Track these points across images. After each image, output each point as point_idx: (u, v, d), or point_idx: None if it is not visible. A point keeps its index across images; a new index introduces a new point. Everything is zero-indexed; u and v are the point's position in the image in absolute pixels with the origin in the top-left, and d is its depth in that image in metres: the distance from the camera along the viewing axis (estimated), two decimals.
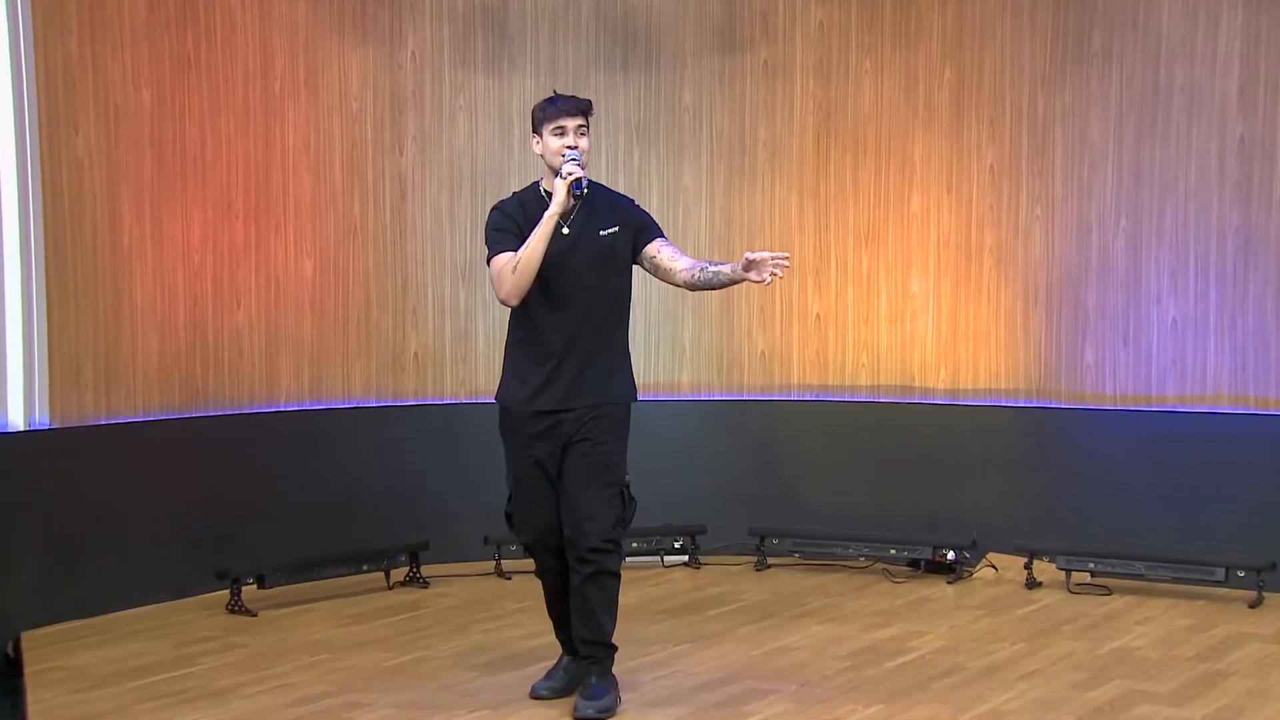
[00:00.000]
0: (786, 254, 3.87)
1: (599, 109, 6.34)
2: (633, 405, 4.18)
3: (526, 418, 4.07)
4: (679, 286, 4.09)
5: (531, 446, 4.08)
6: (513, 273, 3.95)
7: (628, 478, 4.10)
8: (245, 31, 6.01)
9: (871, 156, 6.63)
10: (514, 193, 4.20)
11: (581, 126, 3.99)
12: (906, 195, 6.58)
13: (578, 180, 3.87)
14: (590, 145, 4.01)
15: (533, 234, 3.94)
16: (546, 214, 3.91)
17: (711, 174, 6.80)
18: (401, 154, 6.46)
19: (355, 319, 6.38)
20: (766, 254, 3.87)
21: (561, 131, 3.97)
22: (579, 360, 4.02)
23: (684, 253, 4.13)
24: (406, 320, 6.50)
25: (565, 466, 4.03)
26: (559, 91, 4.11)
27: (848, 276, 6.69)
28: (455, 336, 6.60)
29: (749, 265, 3.87)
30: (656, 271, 4.11)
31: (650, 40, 6.72)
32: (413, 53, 6.49)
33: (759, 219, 6.77)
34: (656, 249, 4.07)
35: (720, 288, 4.06)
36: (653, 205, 6.33)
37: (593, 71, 6.70)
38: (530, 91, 6.54)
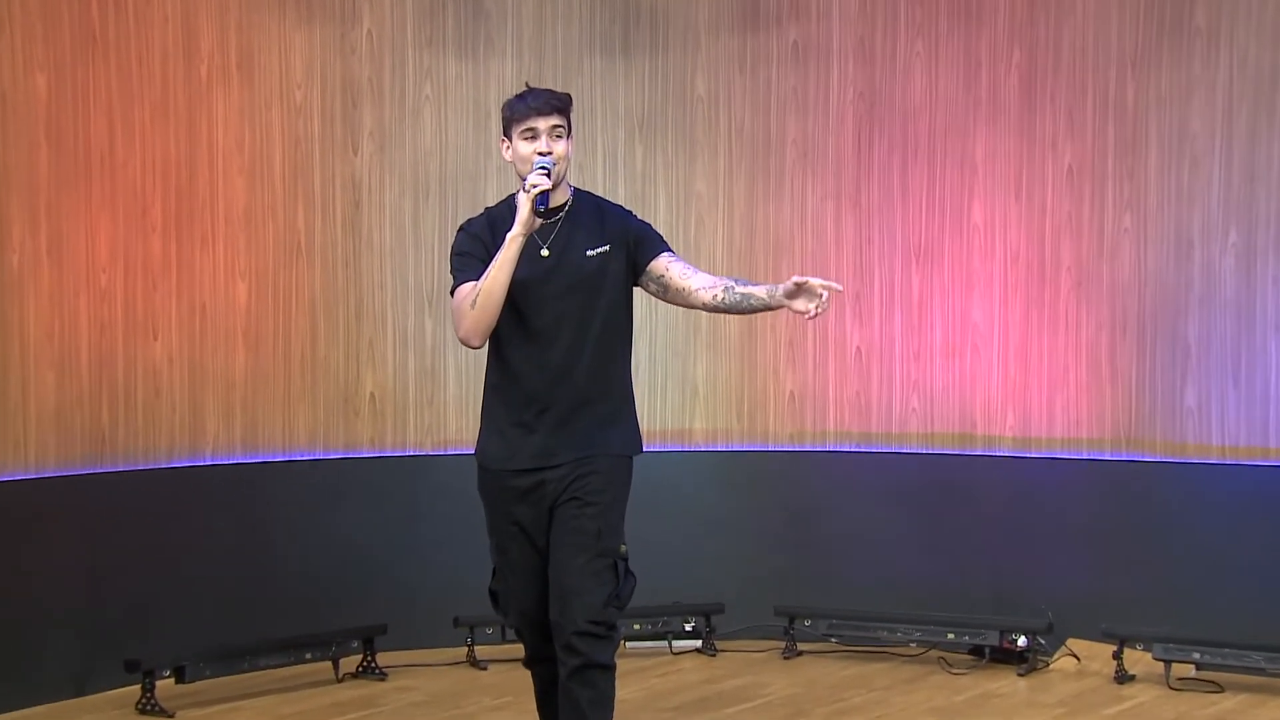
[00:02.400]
0: (839, 285, 3.78)
1: (594, 99, 6.59)
2: (636, 459, 4.11)
3: (505, 478, 4.02)
4: (697, 309, 4.01)
5: (513, 511, 4.02)
6: (472, 306, 3.87)
7: (624, 547, 4.00)
8: (164, 3, 5.94)
9: (924, 156, 6.58)
10: (486, 209, 4.14)
11: (557, 127, 3.91)
12: (966, 203, 6.53)
13: (543, 193, 3.79)
14: (570, 149, 3.95)
15: (494, 260, 3.86)
16: (509, 235, 3.83)
17: (730, 178, 6.78)
18: (356, 153, 6.41)
19: (299, 353, 6.32)
20: (819, 281, 3.76)
21: (532, 134, 3.90)
22: (565, 407, 3.97)
23: (698, 268, 4.05)
24: (361, 355, 6.46)
25: (553, 534, 3.98)
26: (532, 84, 4.05)
27: (895, 302, 6.64)
28: (420, 375, 6.54)
29: (795, 291, 3.77)
30: (666, 293, 4.02)
31: (656, 17, 6.72)
32: (369, 31, 6.42)
33: (787, 232, 6.73)
34: (663, 265, 4.00)
35: (749, 313, 3.97)
36: (659, 216, 6.58)
37: (587, 55, 6.67)
38: (511, 79, 6.50)
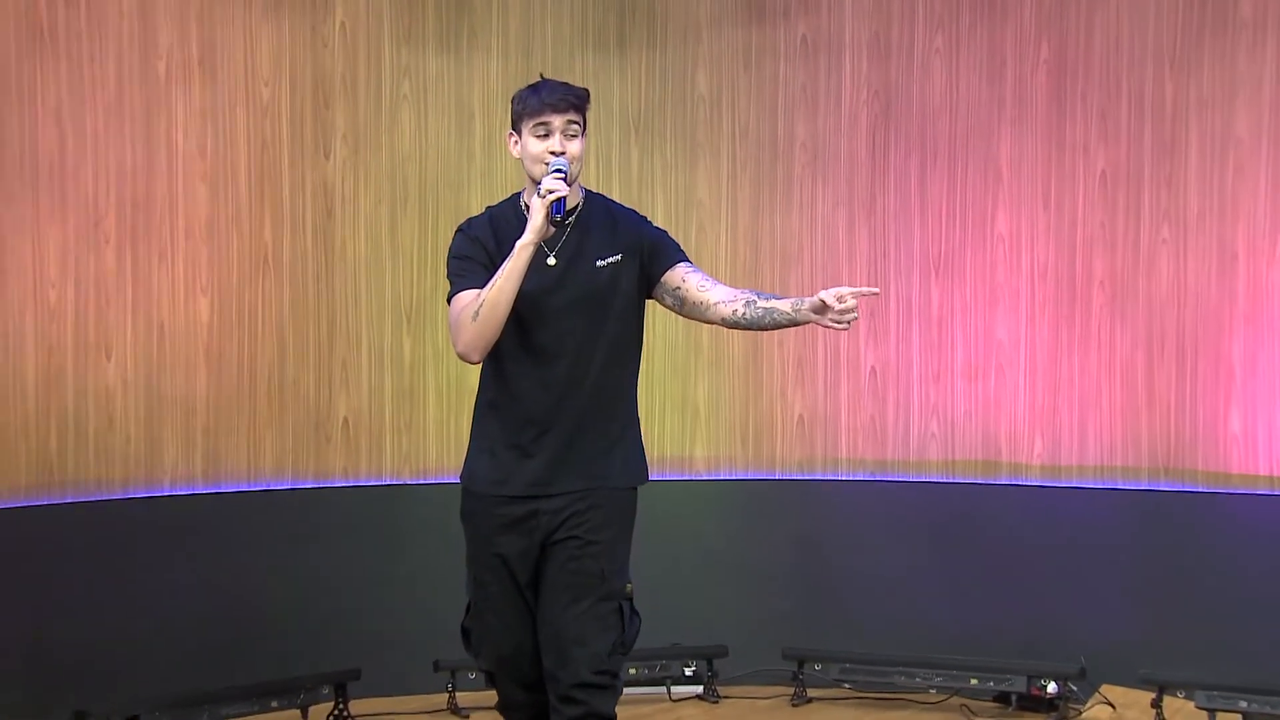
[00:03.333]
0: (875, 288, 3.79)
1: None
2: (639, 486, 4.08)
3: (494, 504, 3.96)
4: (715, 324, 3.93)
5: (497, 541, 3.95)
6: (474, 319, 3.82)
7: (630, 586, 3.97)
8: None
9: (944, 161, 6.56)
10: (487, 208, 4.09)
11: (573, 124, 3.88)
12: (990, 211, 6.51)
13: (559, 200, 3.77)
14: (584, 150, 3.93)
15: (501, 268, 3.81)
16: (519, 243, 3.79)
17: (734, 184, 6.78)
18: (328, 158, 6.39)
19: (265, 375, 6.29)
20: (850, 293, 3.68)
21: (546, 131, 3.86)
22: (567, 430, 3.92)
23: (717, 279, 3.98)
24: (334, 376, 6.43)
25: (546, 573, 3.93)
26: (545, 76, 4.01)
27: (913, 318, 6.62)
28: (398, 397, 6.52)
29: (821, 307, 3.68)
30: (682, 307, 3.96)
31: (654, 9, 6.73)
32: (342, 24, 6.41)
33: (795, 243, 6.72)
34: (680, 276, 3.94)
35: (772, 329, 3.86)
36: (656, 223, 6.22)
37: (579, 50, 6.67)
38: (498, 76, 6.54)
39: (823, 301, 3.68)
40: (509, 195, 4.07)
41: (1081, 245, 6.36)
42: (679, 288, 3.93)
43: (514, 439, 3.94)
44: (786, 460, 6.79)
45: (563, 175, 3.80)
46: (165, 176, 6.03)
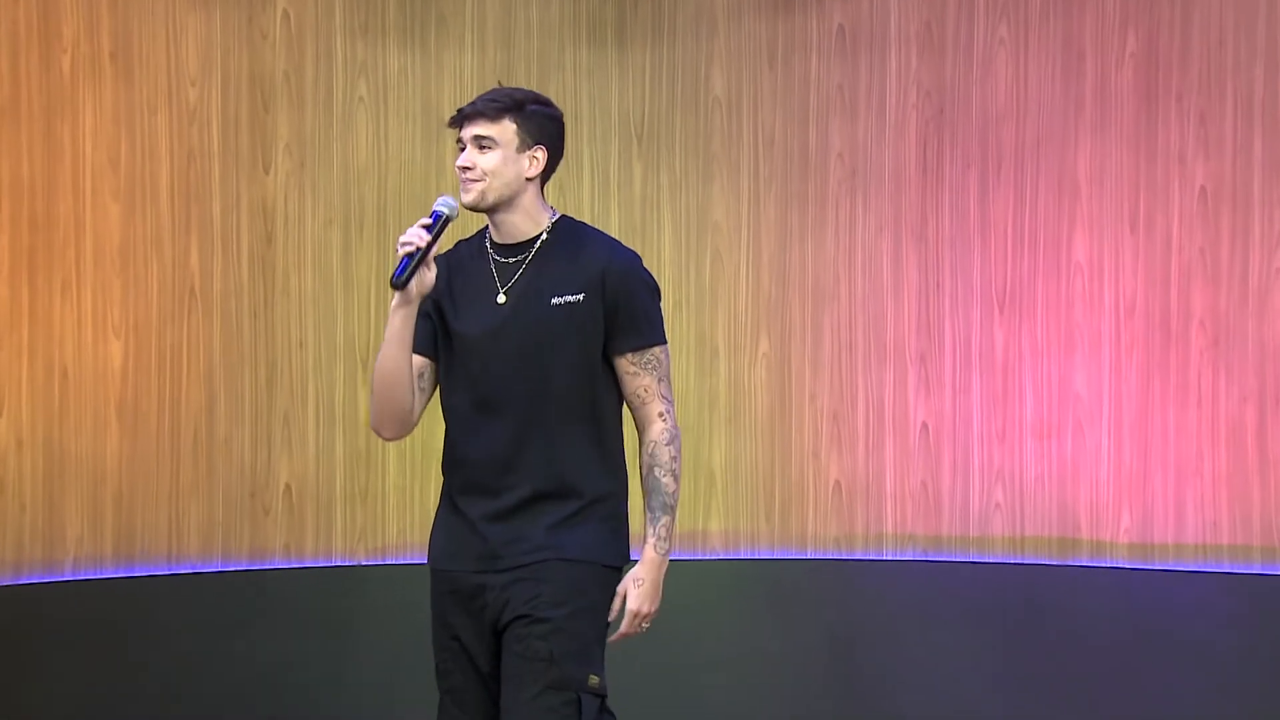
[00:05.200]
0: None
1: (578, 101, 6.64)
2: (615, 568, 4.06)
3: (446, 580, 4.04)
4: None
5: (452, 623, 4.03)
6: (371, 389, 3.98)
7: (596, 679, 3.93)
8: None
9: (1009, 175, 6.47)
10: (458, 242, 4.14)
11: (482, 139, 3.93)
12: (1065, 235, 6.41)
13: (404, 258, 3.83)
14: (527, 165, 3.94)
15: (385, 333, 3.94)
16: (391, 307, 3.89)
17: (756, 203, 6.62)
18: (268, 171, 6.33)
19: (190, 433, 6.25)
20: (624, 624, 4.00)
21: (462, 146, 3.97)
22: (518, 498, 3.96)
23: (661, 394, 4.02)
24: (274, 434, 6.37)
25: (502, 662, 3.97)
26: (503, 83, 4.17)
27: (972, 365, 6.50)
28: (351, 460, 6.44)
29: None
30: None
31: None
32: (285, 12, 6.37)
33: (831, 274, 6.60)
34: (621, 372, 4.02)
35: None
36: (663, 254, 6.52)
37: (569, 44, 6.57)
38: (472, 74, 6.50)
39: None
40: (482, 228, 4.09)
41: (1177, 276, 6.29)
42: (619, 382, 4.03)
43: (460, 507, 4.01)
44: (820, 537, 6.65)
45: (434, 220, 3.84)
46: (69, 192, 6.03)
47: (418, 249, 3.79)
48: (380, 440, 6.24)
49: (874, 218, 6.57)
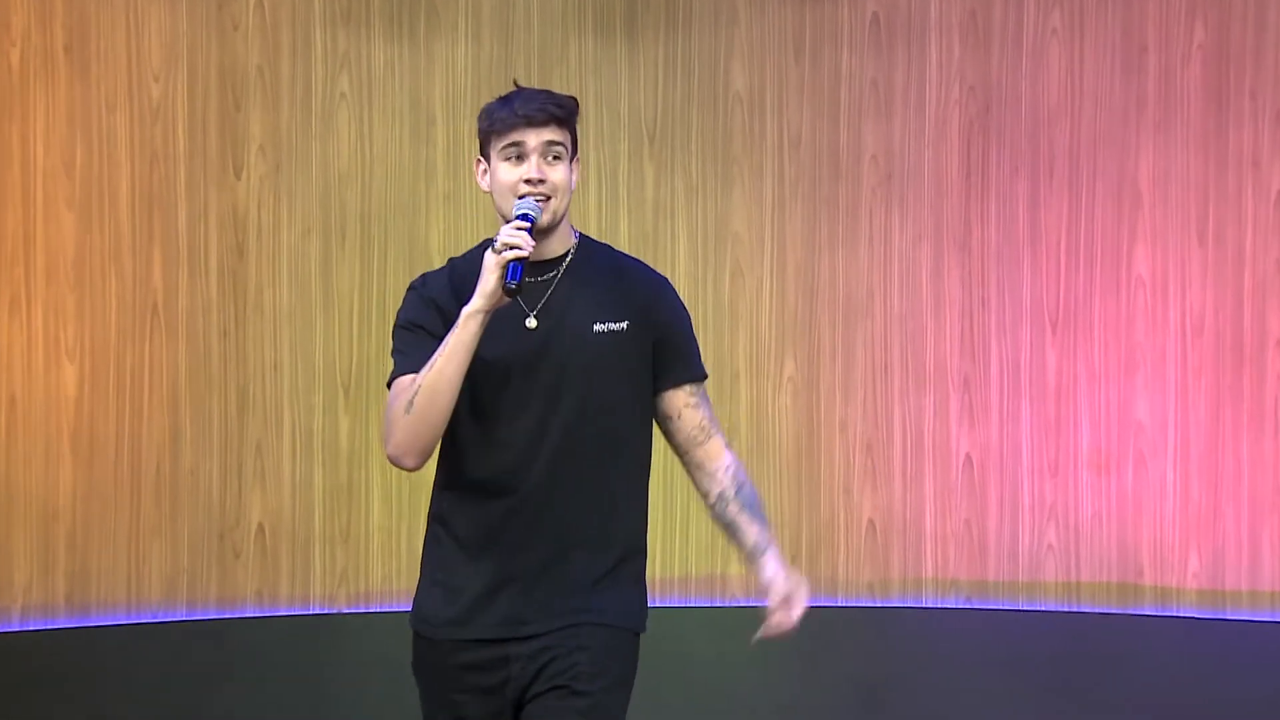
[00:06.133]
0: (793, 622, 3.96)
1: (584, 99, 6.76)
2: (638, 634, 3.96)
3: (451, 651, 3.83)
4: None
5: (458, 701, 3.84)
6: (406, 411, 3.77)
7: None
8: None
9: (1063, 179, 6.44)
10: (450, 260, 4.05)
11: (554, 145, 3.80)
12: (1126, 246, 6.40)
13: (515, 263, 3.69)
14: (575, 178, 3.89)
15: (444, 342, 3.76)
16: (465, 310, 3.73)
17: (780, 211, 6.56)
18: (239, 176, 6.27)
19: (153, 466, 6.19)
20: (779, 623, 3.91)
21: (519, 154, 3.80)
22: (545, 553, 3.81)
23: (718, 426, 3.98)
24: (245, 467, 6.30)
25: None
26: (520, 83, 3.95)
27: (1021, 391, 6.47)
28: (331, 497, 6.38)
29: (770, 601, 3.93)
30: (669, 440, 3.98)
31: None
32: (259, 0, 6.36)
33: (863, 289, 6.55)
34: (679, 407, 3.94)
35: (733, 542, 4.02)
36: (678, 268, 6.49)
37: (574, 36, 6.52)
38: (466, 69, 6.45)
39: (771, 600, 3.90)
40: (479, 242, 3.96)
41: (1251, 292, 6.31)
42: (673, 419, 3.95)
43: (475, 563, 3.83)
44: (852, 581, 6.61)
45: (529, 224, 3.73)
46: (18, 201, 6.04)
47: (526, 253, 3.72)
48: (363, 473, 6.57)
49: (912, 227, 6.54)
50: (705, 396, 3.98)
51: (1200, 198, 6.30)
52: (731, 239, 6.58)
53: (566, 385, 3.82)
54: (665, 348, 3.90)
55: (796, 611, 3.86)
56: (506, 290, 3.72)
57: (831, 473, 6.59)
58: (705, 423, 3.89)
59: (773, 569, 3.87)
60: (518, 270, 3.67)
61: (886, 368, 6.39)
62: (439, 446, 3.84)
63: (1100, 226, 6.41)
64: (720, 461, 3.89)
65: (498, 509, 3.82)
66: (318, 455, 6.35)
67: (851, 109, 6.56)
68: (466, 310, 3.73)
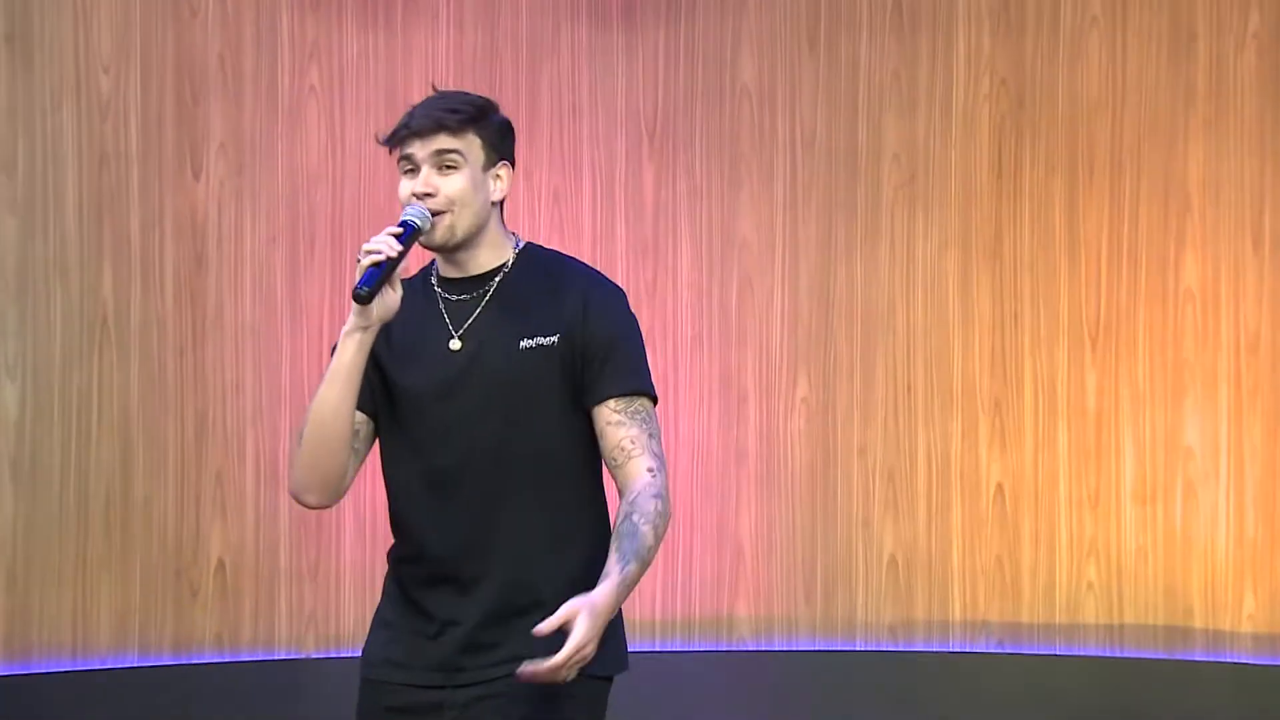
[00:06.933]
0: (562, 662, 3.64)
1: (577, 92, 6.73)
2: (606, 679, 3.86)
3: (388, 693, 3.83)
4: None
5: None
6: (299, 442, 3.78)
7: None
8: None
9: (1103, 182, 6.38)
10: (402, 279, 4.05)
11: (446, 154, 3.79)
12: (1172, 255, 6.34)
13: (371, 268, 3.68)
14: (495, 186, 3.83)
15: (328, 368, 3.80)
16: (343, 330, 3.74)
17: (793, 214, 6.47)
18: (198, 178, 6.19)
19: (101, 495, 6.07)
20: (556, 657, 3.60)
21: (409, 167, 3.84)
22: (485, 592, 3.79)
23: (654, 450, 3.85)
24: (203, 498, 6.20)
25: None
26: (439, 87, 3.94)
27: (1058, 414, 6.39)
28: (297, 530, 6.27)
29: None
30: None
31: None
32: None
33: (885, 300, 6.48)
34: (600, 424, 3.87)
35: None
36: (680, 276, 6.51)
37: (565, 22, 6.45)
38: (447, 59, 6.41)
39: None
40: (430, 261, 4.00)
41: None
42: (598, 438, 3.89)
43: (410, 602, 3.85)
44: (872, 623, 6.50)
45: (407, 231, 3.68)
46: None
47: (387, 259, 3.62)
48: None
49: (937, 232, 6.47)
50: (637, 413, 3.86)
51: (1255, 200, 6.26)
52: (739, 246, 6.49)
53: (491, 408, 3.79)
54: (591, 360, 3.83)
55: (553, 660, 3.57)
56: (355, 296, 3.66)
57: (849, 503, 6.51)
58: (626, 444, 3.80)
59: (581, 600, 3.67)
60: (372, 276, 3.62)
61: (909, 388, 6.31)
62: (384, 480, 3.83)
63: (1144, 232, 6.36)
64: (633, 487, 3.80)
65: (435, 547, 3.79)
66: (283, 485, 6.08)
67: (871, 104, 6.50)
68: (344, 330, 3.72)
